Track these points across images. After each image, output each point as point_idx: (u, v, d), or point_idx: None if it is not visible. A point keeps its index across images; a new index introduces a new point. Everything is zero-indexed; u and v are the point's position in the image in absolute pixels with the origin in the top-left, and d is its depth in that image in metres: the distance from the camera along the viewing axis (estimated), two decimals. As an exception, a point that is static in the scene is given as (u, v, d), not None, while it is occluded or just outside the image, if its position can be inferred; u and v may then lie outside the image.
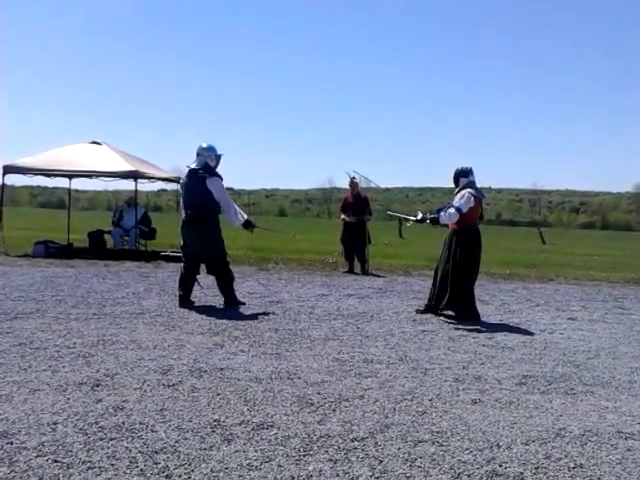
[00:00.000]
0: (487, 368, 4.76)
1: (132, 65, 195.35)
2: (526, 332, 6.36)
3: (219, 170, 7.24)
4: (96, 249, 12.97)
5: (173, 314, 6.51)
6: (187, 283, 7.20)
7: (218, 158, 7.23)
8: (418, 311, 7.29)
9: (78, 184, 42.30)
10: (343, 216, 11.84)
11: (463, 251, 6.86)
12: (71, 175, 14.14)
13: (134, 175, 12.94)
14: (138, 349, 4.89)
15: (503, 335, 6.14)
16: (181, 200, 7.49)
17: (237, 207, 7.37)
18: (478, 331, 6.29)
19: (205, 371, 4.31)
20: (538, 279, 11.86)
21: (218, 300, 7.40)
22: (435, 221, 7.08)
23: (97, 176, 13.64)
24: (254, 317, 6.53)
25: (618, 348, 5.75)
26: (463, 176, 7.09)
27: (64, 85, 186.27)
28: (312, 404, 3.69)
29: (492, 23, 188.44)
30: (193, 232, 7.08)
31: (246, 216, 7.44)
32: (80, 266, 10.81)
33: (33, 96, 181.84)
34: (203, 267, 7.38)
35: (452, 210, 6.87)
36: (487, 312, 7.47)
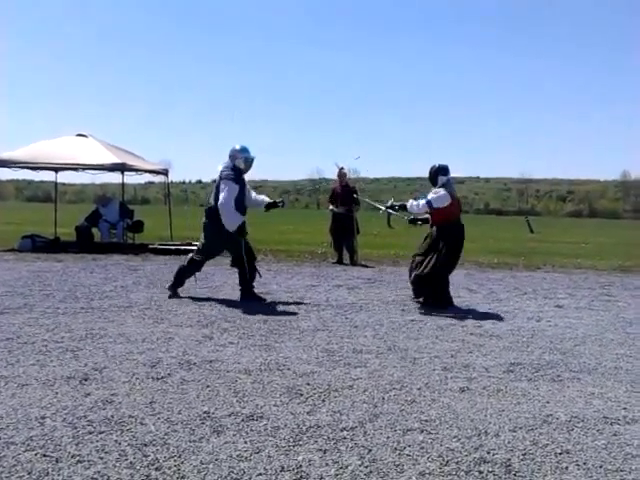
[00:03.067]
0: (475, 356, 4.80)
1: (120, 57, 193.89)
2: (514, 320, 6.41)
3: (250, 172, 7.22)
4: (83, 243, 12.88)
5: (162, 307, 6.49)
6: (185, 275, 7.25)
7: (248, 161, 7.09)
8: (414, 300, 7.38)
9: (65, 177, 41.91)
10: (331, 207, 11.84)
11: (447, 246, 6.95)
12: (57, 168, 14.03)
13: (121, 168, 12.86)
14: (127, 342, 4.87)
15: (491, 323, 6.18)
16: None
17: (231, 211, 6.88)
18: (466, 320, 6.32)
19: (194, 363, 4.31)
20: (526, 267, 11.94)
21: (206, 292, 7.39)
22: (404, 208, 7.34)
23: (84, 169, 13.52)
24: (243, 309, 6.53)
25: (604, 335, 5.80)
26: (442, 174, 7.18)
27: (50, 77, 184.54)
28: (301, 395, 3.70)
29: (478, 12, 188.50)
30: (211, 228, 7.04)
31: (236, 226, 6.96)
32: (67, 260, 10.74)
33: (18, 89, 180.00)
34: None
35: (422, 202, 7.04)
36: (475, 301, 7.52)
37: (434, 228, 7.18)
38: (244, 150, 7.03)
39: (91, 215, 13.96)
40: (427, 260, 7.04)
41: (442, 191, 7.04)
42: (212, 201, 7.01)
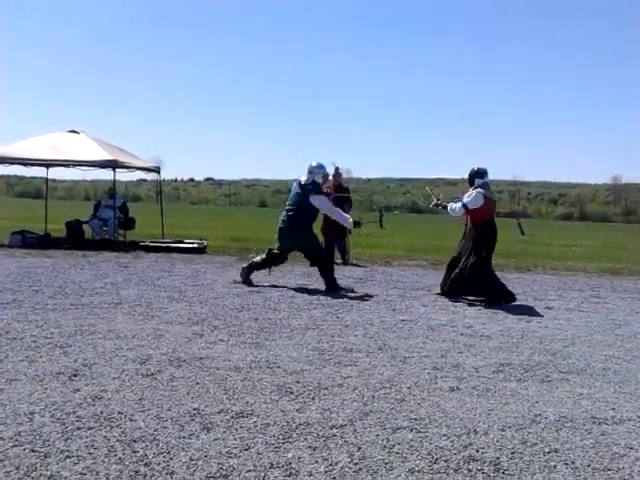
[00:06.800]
0: (465, 356, 4.81)
1: (113, 55, 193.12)
2: (504, 321, 6.43)
3: None
4: (74, 239, 12.83)
5: (152, 304, 6.47)
6: (265, 265, 8.36)
7: (325, 176, 8.46)
8: (437, 294, 7.87)
9: (56, 173, 41.66)
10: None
11: (483, 245, 7.49)
12: (48, 164, 13.94)
13: (113, 165, 12.80)
14: (116, 339, 4.85)
15: (481, 324, 6.20)
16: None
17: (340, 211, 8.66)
18: (456, 320, 6.34)
19: (184, 360, 4.30)
20: (516, 269, 11.97)
21: (197, 290, 7.37)
22: (445, 208, 7.99)
23: (75, 165, 13.45)
24: (234, 306, 6.52)
25: (593, 336, 5.83)
26: (479, 177, 7.69)
27: (43, 74, 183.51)
28: (291, 392, 3.70)
29: (468, 17, 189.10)
30: (288, 234, 8.18)
31: (351, 220, 8.85)
32: (58, 256, 10.69)
33: (10, 85, 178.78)
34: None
35: (459, 205, 7.59)
36: (465, 301, 7.54)
37: (470, 228, 7.62)
38: (321, 167, 8.33)
39: (95, 207, 14.09)
40: (465, 260, 7.49)
41: (474, 192, 7.51)
42: (291, 207, 8.19)
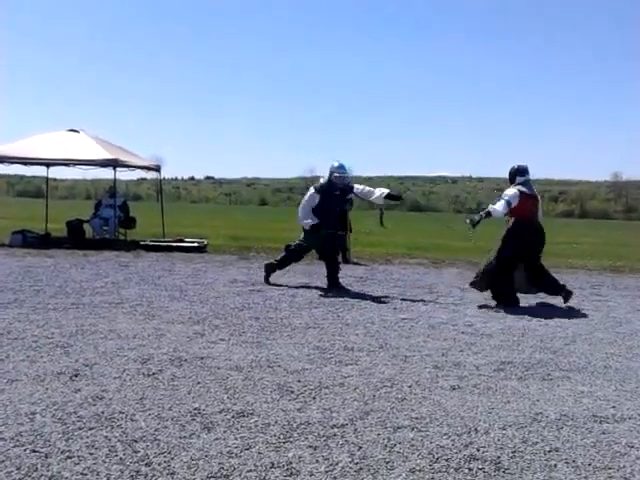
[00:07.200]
0: (466, 355, 4.81)
1: (112, 54, 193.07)
2: (504, 319, 6.43)
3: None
4: (75, 239, 12.82)
5: (153, 303, 6.47)
6: (286, 262, 8.42)
7: (341, 177, 8.07)
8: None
9: (56, 173, 41.70)
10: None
11: (514, 243, 7.29)
12: (49, 163, 13.94)
13: (113, 163, 12.79)
14: (117, 338, 4.86)
15: (482, 322, 6.20)
16: None
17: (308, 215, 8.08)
18: (457, 318, 6.34)
19: (185, 360, 4.30)
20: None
21: (198, 289, 7.36)
22: (488, 214, 7.40)
23: (75, 164, 13.45)
24: (235, 306, 6.52)
25: (594, 334, 5.83)
26: (520, 175, 7.52)
27: (43, 73, 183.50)
28: (292, 392, 3.70)
29: (469, 16, 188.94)
30: (308, 232, 8.12)
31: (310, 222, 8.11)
32: (58, 256, 10.69)
33: (9, 83, 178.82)
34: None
35: (503, 202, 7.33)
36: (466, 300, 7.54)
37: (509, 225, 7.47)
38: (340, 167, 8.12)
39: (96, 206, 14.06)
40: (495, 256, 7.38)
41: (513, 189, 7.38)
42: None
